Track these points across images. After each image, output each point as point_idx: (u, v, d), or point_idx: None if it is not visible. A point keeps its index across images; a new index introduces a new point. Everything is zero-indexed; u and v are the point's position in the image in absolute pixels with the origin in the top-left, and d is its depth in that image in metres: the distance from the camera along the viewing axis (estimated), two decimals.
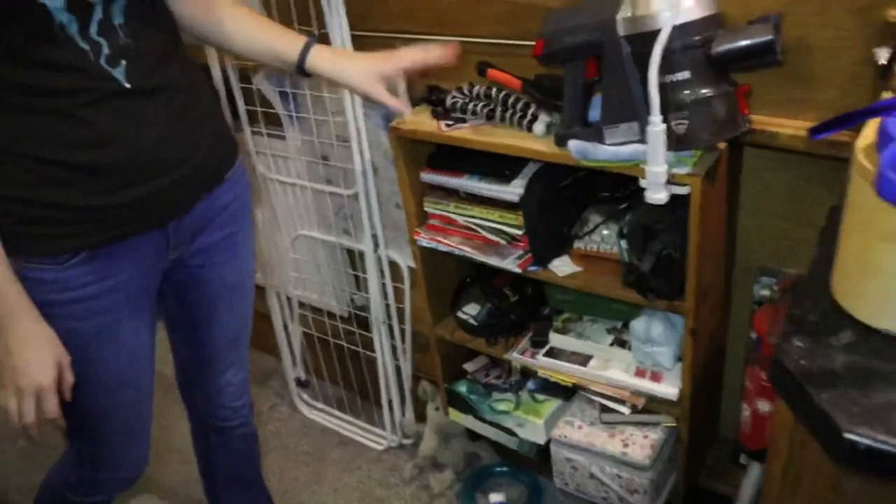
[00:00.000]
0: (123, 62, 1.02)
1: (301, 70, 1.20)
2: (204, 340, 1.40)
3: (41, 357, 1.07)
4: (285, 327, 2.19)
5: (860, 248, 0.75)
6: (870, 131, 0.75)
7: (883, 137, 0.70)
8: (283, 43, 1.21)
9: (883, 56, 0.83)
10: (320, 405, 2.31)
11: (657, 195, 1.12)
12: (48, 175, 1.02)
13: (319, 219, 1.99)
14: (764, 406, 1.28)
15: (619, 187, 1.39)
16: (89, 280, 1.11)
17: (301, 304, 2.15)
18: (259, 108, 1.79)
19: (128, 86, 1.03)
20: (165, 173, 1.11)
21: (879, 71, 0.84)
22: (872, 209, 0.70)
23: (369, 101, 1.32)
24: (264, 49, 1.23)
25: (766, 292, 1.27)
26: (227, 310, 1.38)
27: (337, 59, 1.22)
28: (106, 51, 1.00)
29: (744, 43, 0.99)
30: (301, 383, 2.31)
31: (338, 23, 1.49)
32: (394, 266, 1.87)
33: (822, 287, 0.84)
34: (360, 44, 1.53)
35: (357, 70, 1.20)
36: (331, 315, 2.12)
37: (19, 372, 1.06)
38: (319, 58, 1.20)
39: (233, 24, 1.22)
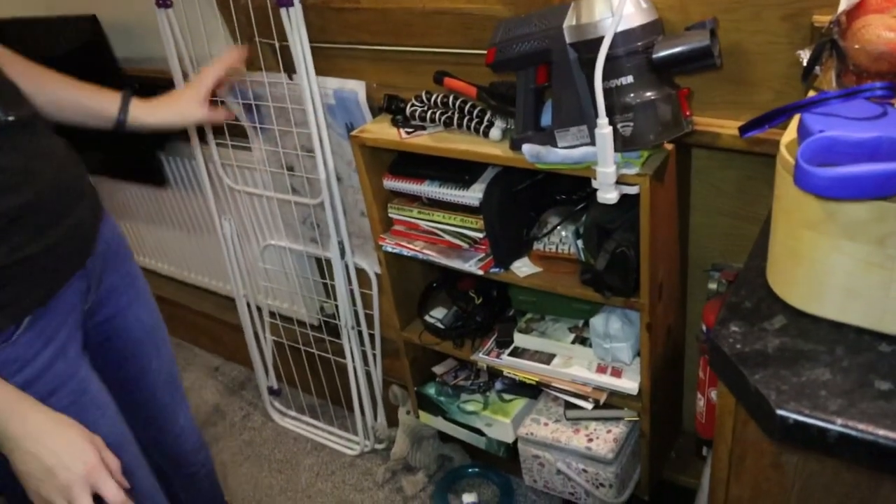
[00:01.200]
0: None
1: (122, 126, 1.23)
2: (145, 389, 1.36)
3: (67, 441, 0.92)
4: (256, 337, 2.21)
5: (787, 236, 0.80)
6: (793, 128, 0.80)
7: (802, 132, 0.75)
8: (97, 101, 1.23)
9: (805, 58, 0.88)
10: (293, 413, 2.33)
11: (608, 195, 1.16)
12: None
13: (287, 228, 2.01)
14: (715, 395, 1.32)
15: (576, 189, 1.44)
16: (39, 348, 1.04)
17: (272, 314, 2.17)
18: (224, 121, 1.81)
19: (11, 118, 1.00)
20: (75, 203, 1.09)
21: (803, 72, 0.89)
22: (795, 199, 0.75)
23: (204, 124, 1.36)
24: (81, 111, 1.23)
25: (713, 286, 1.32)
26: (155, 352, 1.35)
27: (156, 109, 1.27)
28: None
29: (682, 48, 1.04)
30: (273, 392, 2.33)
31: (297, 35, 1.52)
32: (361, 273, 1.91)
33: (758, 276, 0.89)
34: (321, 55, 1.57)
35: (179, 110, 1.26)
36: (301, 323, 2.14)
37: (56, 470, 0.89)
38: (139, 113, 1.24)
39: (42, 95, 1.17)
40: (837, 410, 0.69)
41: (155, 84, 1.92)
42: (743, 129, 0.85)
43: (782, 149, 0.76)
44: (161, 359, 1.38)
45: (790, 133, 0.80)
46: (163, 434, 1.44)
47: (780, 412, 0.71)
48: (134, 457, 1.24)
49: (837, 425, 0.68)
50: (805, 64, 0.88)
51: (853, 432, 0.67)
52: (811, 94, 0.86)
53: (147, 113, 1.25)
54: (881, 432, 0.66)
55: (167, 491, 1.51)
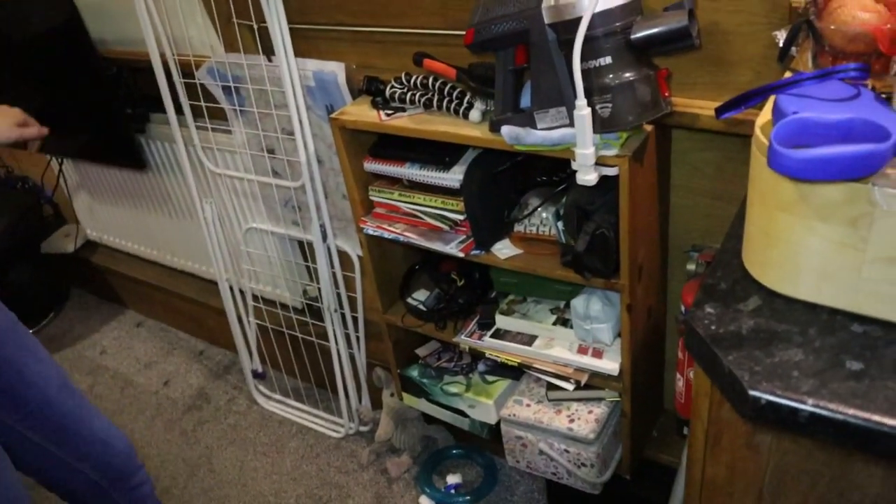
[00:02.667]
0: None
1: None
2: (36, 397, 1.36)
3: None
4: (240, 321, 2.21)
5: (762, 218, 0.80)
6: (768, 109, 0.80)
7: (776, 113, 0.75)
8: None
9: (781, 38, 0.88)
10: (277, 396, 2.33)
11: (587, 176, 1.16)
12: None
13: (269, 211, 2.00)
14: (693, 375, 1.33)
15: (556, 171, 1.43)
16: None
17: (255, 297, 2.17)
18: (203, 103, 1.80)
19: None
20: None
21: (779, 53, 0.89)
22: (769, 181, 0.75)
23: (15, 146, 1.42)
24: None
25: (692, 267, 1.33)
26: (25, 353, 1.36)
27: None
28: None
29: (660, 28, 1.03)
30: (258, 375, 2.33)
31: (275, 16, 1.51)
32: (344, 255, 1.90)
33: (734, 257, 0.89)
34: (300, 36, 1.55)
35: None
36: (284, 307, 2.14)
37: None
38: None
39: None
40: (809, 391, 0.70)
41: (133, 67, 1.91)
42: (719, 111, 0.85)
43: (757, 130, 0.77)
44: (41, 363, 1.37)
45: (765, 114, 0.80)
46: (84, 443, 1.43)
47: (752, 392, 0.72)
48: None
49: (809, 405, 0.69)
50: (781, 45, 0.88)
51: (824, 412, 0.68)
52: (787, 74, 0.86)
53: None
54: (851, 412, 0.67)
55: None
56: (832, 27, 0.83)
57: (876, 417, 0.66)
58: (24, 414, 1.36)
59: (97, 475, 1.48)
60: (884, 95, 0.75)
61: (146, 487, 1.59)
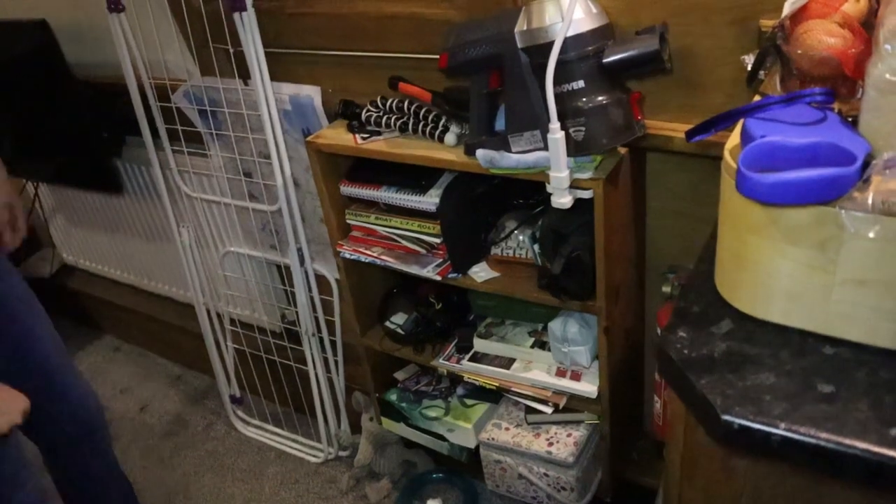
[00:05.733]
0: None
1: None
2: (37, 353, 1.47)
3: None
4: (217, 345, 2.18)
5: (733, 241, 0.80)
6: (737, 132, 0.81)
7: (744, 137, 0.75)
8: None
9: (749, 62, 0.89)
10: (256, 421, 2.30)
11: (562, 200, 1.16)
12: None
13: (246, 235, 1.99)
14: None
15: (532, 194, 1.44)
16: None
17: (232, 321, 2.15)
18: (179, 127, 1.79)
19: None
20: None
21: (748, 76, 0.90)
22: (738, 204, 0.75)
23: None
24: None
25: (667, 289, 1.33)
26: (35, 318, 1.48)
27: None
28: None
29: (632, 52, 1.04)
30: (236, 400, 2.30)
31: (251, 40, 1.51)
32: (322, 279, 1.89)
33: (706, 280, 0.89)
34: (275, 60, 1.55)
35: None
36: (262, 331, 2.12)
37: None
38: None
39: None
40: (781, 414, 0.69)
41: (109, 91, 1.90)
42: (689, 134, 0.85)
43: (726, 154, 0.77)
44: (44, 327, 1.50)
45: (734, 138, 0.80)
46: (67, 398, 1.53)
47: (725, 417, 0.71)
48: None
49: (781, 429, 0.68)
50: (749, 68, 0.89)
51: (796, 436, 0.68)
52: (756, 98, 0.87)
53: None
54: (823, 435, 0.67)
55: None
56: (799, 51, 0.83)
57: (847, 441, 0.66)
58: (22, 367, 1.45)
59: (73, 428, 1.57)
60: (850, 119, 0.76)
61: (109, 442, 1.69)
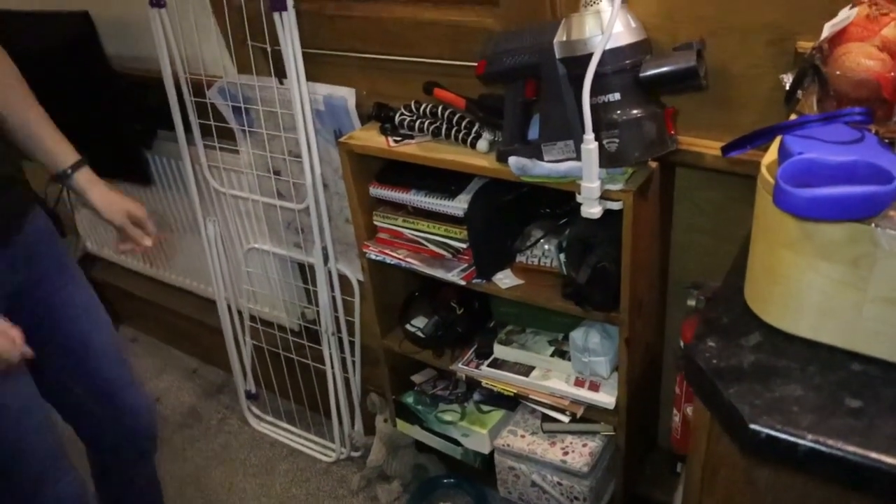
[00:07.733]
0: None
1: (60, 180, 1.36)
2: (90, 362, 1.44)
3: None
4: (236, 340, 2.21)
5: (766, 255, 0.81)
6: (774, 149, 0.82)
7: (782, 153, 0.77)
8: (57, 149, 1.35)
9: (788, 81, 0.90)
10: (270, 418, 2.32)
11: (591, 210, 1.18)
12: None
13: (271, 232, 2.01)
14: (691, 411, 1.33)
15: (560, 203, 1.45)
16: None
17: (252, 318, 2.17)
18: (212, 122, 1.82)
19: None
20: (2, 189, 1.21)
21: (786, 95, 0.91)
22: (774, 218, 0.77)
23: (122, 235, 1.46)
24: (38, 147, 1.34)
25: (692, 303, 1.34)
26: (94, 328, 1.44)
27: (94, 186, 1.38)
28: None
29: (669, 68, 1.06)
30: (251, 396, 2.32)
31: (290, 40, 1.53)
32: (344, 279, 1.91)
33: (736, 293, 0.90)
34: (312, 61, 1.58)
35: (109, 201, 1.39)
36: (281, 328, 2.14)
37: None
38: (82, 179, 1.37)
39: (13, 115, 1.31)
40: (808, 426, 0.70)
41: (144, 84, 1.93)
42: (725, 149, 0.87)
43: (763, 169, 0.78)
44: (102, 336, 1.46)
45: (771, 154, 0.81)
46: (116, 410, 1.50)
47: (752, 426, 0.72)
48: (33, 429, 1.30)
49: (808, 440, 0.69)
50: (787, 88, 0.90)
51: (822, 448, 0.69)
52: (793, 117, 0.88)
53: (86, 184, 1.37)
54: (850, 448, 0.68)
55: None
56: (837, 73, 0.85)
57: (874, 455, 0.67)
58: (75, 373, 1.44)
59: (118, 439, 1.55)
60: (887, 140, 0.77)
61: (155, 451, 1.67)
